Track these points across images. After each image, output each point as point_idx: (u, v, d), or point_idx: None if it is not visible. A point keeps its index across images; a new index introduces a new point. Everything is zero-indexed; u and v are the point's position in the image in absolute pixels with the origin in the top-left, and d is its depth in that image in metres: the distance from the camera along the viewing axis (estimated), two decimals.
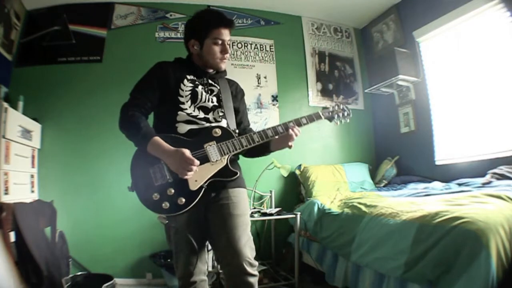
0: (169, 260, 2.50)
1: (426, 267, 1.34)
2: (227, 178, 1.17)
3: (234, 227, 1.18)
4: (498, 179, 1.96)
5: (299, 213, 2.37)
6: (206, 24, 1.26)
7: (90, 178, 2.71)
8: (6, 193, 2.04)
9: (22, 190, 2.28)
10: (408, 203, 1.80)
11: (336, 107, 1.40)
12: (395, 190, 2.53)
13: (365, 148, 3.40)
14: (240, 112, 1.41)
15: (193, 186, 1.12)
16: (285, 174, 2.86)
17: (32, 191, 2.45)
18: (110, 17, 2.98)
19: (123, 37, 2.96)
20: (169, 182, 1.12)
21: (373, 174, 3.13)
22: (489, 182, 1.97)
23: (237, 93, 1.42)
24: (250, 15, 3.24)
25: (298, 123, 1.28)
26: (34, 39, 2.86)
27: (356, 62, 3.54)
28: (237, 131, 1.28)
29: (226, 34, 1.26)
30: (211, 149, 1.16)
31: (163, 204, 1.11)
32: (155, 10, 3.07)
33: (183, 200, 1.11)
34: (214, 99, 1.30)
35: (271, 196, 2.83)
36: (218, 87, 1.33)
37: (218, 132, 1.19)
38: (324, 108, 1.41)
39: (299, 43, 3.36)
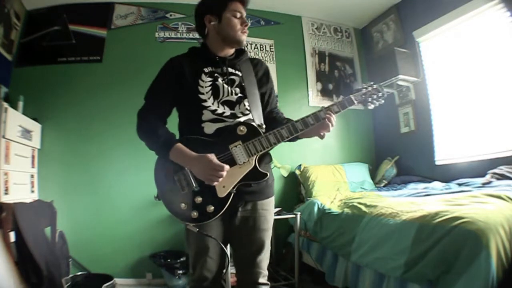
0: (169, 260, 2.50)
1: (426, 267, 1.34)
2: (256, 180, 1.10)
3: (258, 241, 1.16)
4: (498, 179, 1.96)
5: (299, 213, 2.37)
6: None
7: (90, 178, 2.71)
8: (6, 193, 2.04)
9: (22, 190, 2.28)
10: (408, 203, 1.80)
11: (370, 88, 1.24)
12: (395, 190, 2.53)
13: (365, 148, 3.40)
14: (266, 95, 1.29)
15: (221, 193, 1.06)
16: (285, 174, 2.86)
17: (32, 191, 2.45)
18: (110, 17, 2.98)
19: (123, 37, 2.96)
20: (196, 190, 1.07)
21: (373, 174, 3.13)
22: (489, 182, 1.97)
23: (263, 75, 1.29)
24: (250, 15, 3.24)
25: (329, 111, 1.15)
26: (34, 39, 2.86)
27: (356, 62, 3.54)
28: (264, 126, 1.17)
29: (242, 9, 1.19)
30: (237, 150, 1.07)
31: (192, 214, 1.07)
32: (155, 10, 3.06)
33: (212, 208, 1.06)
34: (237, 90, 1.19)
35: None
36: (240, 74, 1.22)
37: (243, 130, 1.09)
38: (356, 90, 1.24)
39: (299, 43, 3.36)
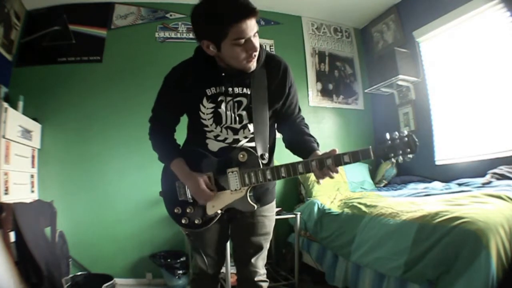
0: (169, 260, 2.50)
1: (426, 267, 1.35)
2: (243, 210, 1.09)
3: (255, 245, 1.19)
4: (498, 179, 1.96)
5: (299, 213, 2.37)
6: (219, 21, 0.91)
7: (90, 178, 2.71)
8: (6, 193, 2.04)
9: (22, 190, 2.28)
10: (408, 203, 1.80)
11: (398, 140, 0.95)
12: (395, 190, 2.53)
13: None
14: (279, 107, 1.16)
15: (210, 211, 1.09)
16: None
17: (32, 191, 2.45)
18: (110, 17, 2.97)
19: (123, 37, 2.96)
20: (189, 202, 1.12)
21: (373, 174, 3.13)
22: (489, 182, 1.97)
23: (278, 85, 1.11)
24: None
25: (338, 161, 0.96)
26: (34, 39, 2.86)
27: (356, 62, 3.54)
28: (266, 155, 1.09)
29: (250, 28, 0.92)
30: (232, 176, 1.06)
31: (183, 220, 1.13)
32: (155, 10, 3.06)
33: (198, 221, 1.11)
34: (244, 113, 1.10)
35: None
36: (249, 92, 1.09)
37: (244, 157, 1.05)
38: (381, 142, 0.97)
39: (299, 43, 3.36)
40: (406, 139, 0.95)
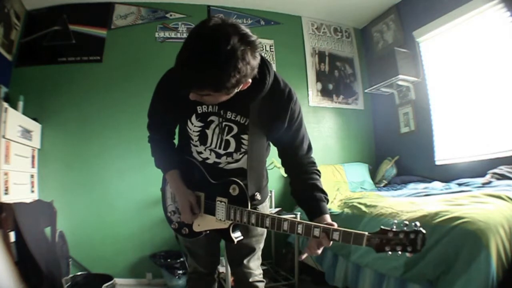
0: (169, 260, 2.50)
1: (426, 267, 1.35)
2: (225, 240, 1.06)
3: (247, 247, 1.19)
4: (498, 179, 1.96)
5: (299, 213, 2.37)
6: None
7: (90, 178, 2.71)
8: (6, 193, 2.04)
9: (22, 190, 2.28)
10: (408, 203, 1.80)
11: (403, 235, 0.80)
12: (395, 190, 2.53)
13: (365, 148, 3.40)
14: (279, 138, 1.08)
15: (195, 228, 1.10)
16: (285, 174, 2.86)
17: (32, 191, 2.45)
18: (110, 17, 2.97)
19: (123, 37, 2.96)
20: (179, 211, 1.13)
21: (373, 174, 3.13)
22: (489, 182, 1.97)
23: (277, 118, 1.01)
24: (250, 15, 3.24)
25: (327, 235, 0.89)
26: (34, 39, 2.86)
27: (356, 62, 3.54)
28: (258, 196, 1.05)
29: (196, 96, 0.87)
30: (220, 206, 1.03)
31: (172, 225, 1.17)
32: (155, 10, 3.06)
33: (186, 231, 1.13)
34: (231, 141, 1.04)
35: (271, 196, 2.83)
36: (244, 121, 1.01)
37: (235, 191, 1.00)
38: (382, 231, 0.83)
39: (299, 43, 3.35)
40: (413, 235, 0.78)
